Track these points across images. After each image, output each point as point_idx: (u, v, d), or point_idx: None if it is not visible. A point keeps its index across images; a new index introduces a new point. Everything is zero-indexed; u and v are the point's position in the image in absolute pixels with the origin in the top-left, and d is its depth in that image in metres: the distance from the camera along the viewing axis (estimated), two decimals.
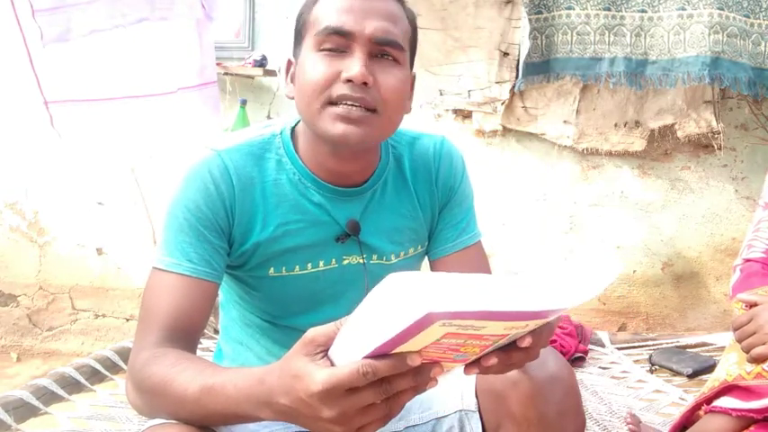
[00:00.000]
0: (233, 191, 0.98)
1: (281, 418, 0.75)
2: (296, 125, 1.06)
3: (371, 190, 1.06)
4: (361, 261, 1.06)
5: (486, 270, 1.15)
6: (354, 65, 0.93)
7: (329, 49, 0.95)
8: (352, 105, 0.93)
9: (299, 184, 1.02)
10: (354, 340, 0.65)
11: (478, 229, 1.16)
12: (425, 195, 1.11)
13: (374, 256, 1.07)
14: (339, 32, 0.94)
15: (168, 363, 0.87)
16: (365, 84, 0.93)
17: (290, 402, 0.70)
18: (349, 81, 0.92)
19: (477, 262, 1.13)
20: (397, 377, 0.65)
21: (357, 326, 0.65)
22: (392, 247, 1.08)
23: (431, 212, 1.12)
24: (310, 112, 0.96)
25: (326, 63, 0.94)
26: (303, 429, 1.05)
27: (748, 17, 2.53)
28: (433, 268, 1.15)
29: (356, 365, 0.64)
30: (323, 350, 0.69)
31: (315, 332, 0.69)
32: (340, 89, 0.93)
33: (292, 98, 1.02)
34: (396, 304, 0.59)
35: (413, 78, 1.06)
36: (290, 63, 1.04)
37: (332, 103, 0.94)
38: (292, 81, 1.02)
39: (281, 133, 1.05)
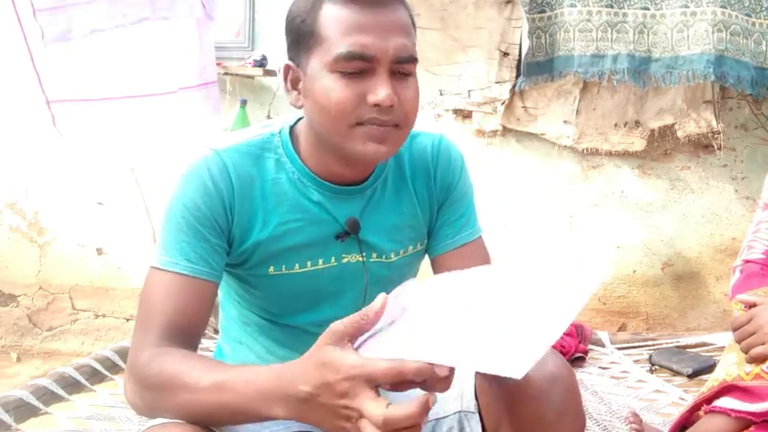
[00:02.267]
0: (232, 190, 0.98)
1: (293, 413, 0.77)
2: (295, 124, 1.06)
3: (371, 188, 1.06)
4: (361, 259, 1.06)
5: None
6: (381, 89, 0.92)
7: (350, 73, 0.92)
8: (380, 125, 0.93)
9: (298, 183, 1.02)
10: (387, 345, 0.72)
11: (479, 225, 1.15)
12: (424, 193, 1.11)
13: (374, 255, 1.07)
14: (362, 58, 0.92)
15: (176, 360, 0.88)
16: (391, 105, 0.93)
17: (311, 389, 0.73)
18: (376, 105, 0.92)
19: (478, 258, 1.12)
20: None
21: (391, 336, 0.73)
22: (392, 246, 1.08)
23: (429, 210, 1.12)
24: (337, 133, 0.95)
25: (350, 86, 0.92)
26: (305, 430, 1.06)
27: (750, 16, 2.53)
28: (433, 266, 1.15)
29: (387, 364, 0.69)
30: (350, 340, 0.73)
31: (340, 324, 0.73)
32: (368, 112, 0.93)
33: (299, 107, 1.00)
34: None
35: None
36: (288, 68, 1.00)
37: (360, 123, 0.93)
38: (294, 88, 1.00)
39: (279, 133, 1.04)
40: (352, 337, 0.73)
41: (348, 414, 0.72)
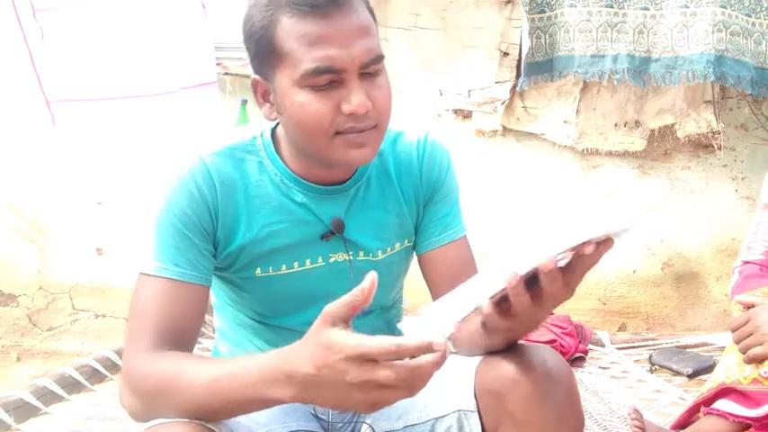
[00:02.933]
0: (216, 194, 0.99)
1: (298, 394, 0.77)
2: (276, 126, 1.06)
3: (355, 187, 1.07)
4: (348, 258, 1.07)
5: (472, 264, 1.15)
6: (353, 97, 0.91)
7: (321, 86, 0.92)
8: (360, 132, 0.94)
9: (281, 185, 1.03)
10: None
11: (464, 223, 1.16)
12: (410, 191, 1.11)
13: (360, 253, 1.08)
14: (330, 71, 0.91)
15: (171, 361, 0.88)
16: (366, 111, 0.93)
17: (314, 370, 0.73)
18: (351, 114, 0.92)
19: (463, 256, 1.13)
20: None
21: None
22: (378, 243, 1.09)
23: (416, 207, 1.12)
24: (317, 145, 0.95)
25: (323, 98, 0.92)
26: (304, 430, 1.06)
27: (750, 16, 2.52)
28: (420, 263, 1.16)
29: (386, 342, 0.70)
30: (344, 320, 0.74)
31: (333, 306, 0.74)
32: (345, 122, 0.93)
33: (273, 120, 1.01)
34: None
35: None
36: (256, 82, 1.00)
37: (338, 132, 0.94)
38: (265, 100, 1.00)
39: (261, 135, 1.05)
40: (346, 318, 0.74)
41: (360, 385, 0.72)
